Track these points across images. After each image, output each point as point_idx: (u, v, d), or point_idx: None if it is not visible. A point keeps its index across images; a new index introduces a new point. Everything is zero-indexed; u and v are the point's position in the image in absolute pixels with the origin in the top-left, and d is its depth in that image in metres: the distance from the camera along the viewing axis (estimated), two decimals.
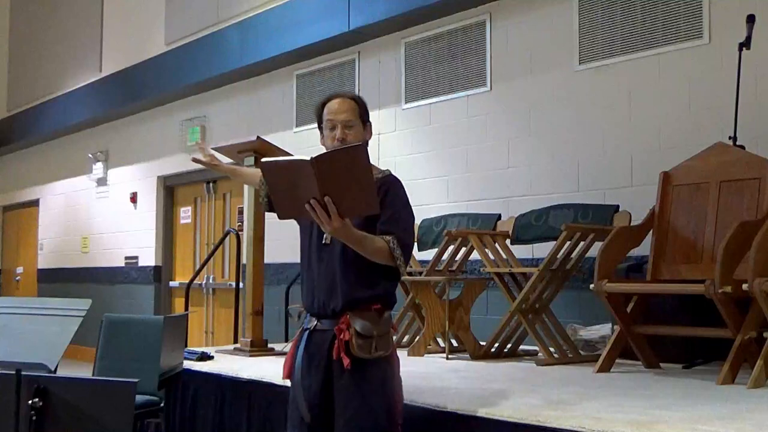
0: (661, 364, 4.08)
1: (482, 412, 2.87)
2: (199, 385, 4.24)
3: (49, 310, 3.07)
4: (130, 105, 9.37)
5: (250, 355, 4.65)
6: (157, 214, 9.28)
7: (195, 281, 7.06)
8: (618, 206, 4.51)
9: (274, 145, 4.71)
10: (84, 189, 10.57)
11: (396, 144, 6.46)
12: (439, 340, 4.90)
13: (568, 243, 4.36)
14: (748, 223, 3.54)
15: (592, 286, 3.86)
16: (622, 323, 3.92)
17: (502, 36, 5.85)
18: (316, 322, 2.70)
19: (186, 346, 4.90)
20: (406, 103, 6.40)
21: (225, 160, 3.92)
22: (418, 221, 4.57)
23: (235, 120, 8.12)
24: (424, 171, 6.20)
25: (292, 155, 4.75)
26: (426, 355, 4.68)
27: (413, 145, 6.38)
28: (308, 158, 2.36)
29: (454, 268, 4.96)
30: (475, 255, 4.94)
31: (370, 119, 2.82)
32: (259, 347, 4.77)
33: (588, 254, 4.47)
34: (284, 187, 2.49)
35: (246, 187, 5.14)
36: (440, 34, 6.24)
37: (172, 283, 9.18)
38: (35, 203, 11.81)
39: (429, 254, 5.10)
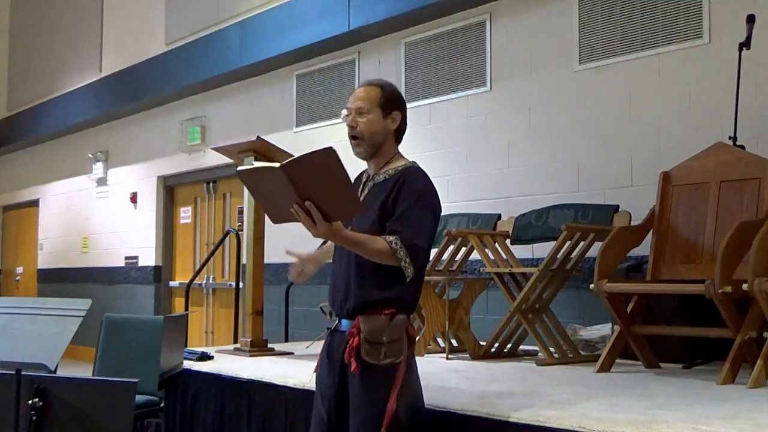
0: (661, 364, 4.08)
1: (482, 412, 2.87)
2: (199, 385, 4.23)
3: (48, 310, 3.07)
4: (130, 105, 9.36)
5: (250, 355, 4.65)
6: (157, 214, 9.28)
7: (195, 281, 7.06)
8: (618, 206, 4.51)
9: (274, 145, 4.71)
10: (84, 189, 10.57)
11: None
12: (439, 340, 4.90)
13: (568, 243, 4.35)
14: (748, 223, 3.54)
15: (592, 286, 3.86)
16: (622, 323, 3.92)
17: (502, 36, 5.85)
18: (337, 322, 2.69)
19: (186, 346, 4.89)
20: (406, 102, 6.39)
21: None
22: None
23: (235, 120, 8.12)
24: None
25: (292, 155, 4.77)
26: (426, 355, 4.68)
27: (413, 145, 6.33)
28: (277, 165, 2.33)
29: (454, 268, 4.96)
30: (475, 255, 4.94)
31: (398, 108, 2.72)
32: (259, 347, 4.76)
33: (588, 254, 4.47)
34: (266, 193, 2.48)
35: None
36: (440, 34, 6.24)
37: (172, 283, 9.18)
38: (35, 203, 11.81)
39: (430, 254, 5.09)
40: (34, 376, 2.57)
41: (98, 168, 10.16)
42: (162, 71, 8.72)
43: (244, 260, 5.07)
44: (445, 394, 3.24)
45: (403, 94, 2.95)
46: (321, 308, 3.98)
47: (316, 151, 2.34)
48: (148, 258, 9.29)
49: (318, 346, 2.89)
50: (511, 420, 2.75)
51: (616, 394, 3.22)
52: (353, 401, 2.59)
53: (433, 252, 4.94)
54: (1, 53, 12.51)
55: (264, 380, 3.83)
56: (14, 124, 11.79)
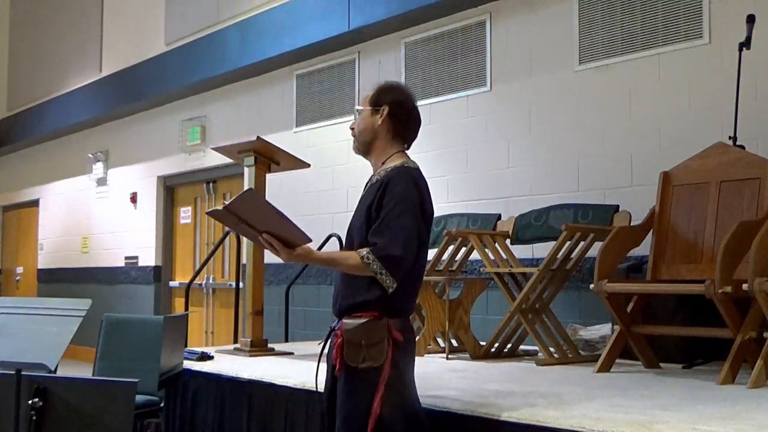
0: (661, 364, 4.08)
1: (482, 412, 2.87)
2: (199, 385, 4.23)
3: (48, 310, 3.07)
4: (130, 105, 9.36)
5: (250, 355, 4.65)
6: (157, 214, 9.28)
7: (195, 281, 7.06)
8: (618, 206, 4.51)
9: (274, 145, 4.71)
10: (84, 189, 10.57)
11: None
12: (439, 340, 4.90)
13: (568, 243, 4.36)
14: (748, 223, 3.54)
15: (592, 286, 3.86)
16: (622, 323, 3.92)
17: (502, 36, 5.85)
18: (335, 322, 2.71)
19: (186, 346, 4.89)
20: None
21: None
22: None
23: (235, 120, 8.12)
24: (424, 171, 6.16)
25: (292, 155, 4.78)
26: (426, 355, 4.68)
27: (413, 145, 6.37)
28: (220, 207, 2.53)
29: (454, 268, 4.96)
30: (475, 255, 4.94)
31: (388, 102, 2.74)
32: (259, 347, 4.77)
33: (588, 254, 4.47)
34: (237, 227, 2.65)
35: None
36: (440, 34, 6.24)
37: (172, 283, 9.18)
38: (35, 203, 11.81)
39: (429, 254, 5.09)
40: (34, 376, 2.57)
41: (98, 168, 10.16)
42: (162, 71, 8.72)
43: (244, 260, 5.07)
44: (445, 394, 3.23)
45: None
46: None
47: (239, 195, 2.54)
48: (148, 258, 9.29)
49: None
50: (510, 420, 2.75)
51: (616, 394, 3.22)
52: (338, 400, 2.62)
53: (433, 252, 4.94)
54: (1, 53, 12.51)
55: (264, 380, 3.83)
56: (14, 124, 11.79)
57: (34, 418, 2.49)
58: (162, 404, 4.33)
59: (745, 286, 3.28)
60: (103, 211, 10.19)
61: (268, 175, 4.80)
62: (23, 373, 2.55)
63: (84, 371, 4.91)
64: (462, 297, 4.71)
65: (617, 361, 4.00)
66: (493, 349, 4.65)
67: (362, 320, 2.57)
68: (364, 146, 2.78)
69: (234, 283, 6.93)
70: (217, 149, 5.00)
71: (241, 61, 7.63)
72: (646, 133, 5.00)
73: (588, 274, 4.69)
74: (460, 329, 4.66)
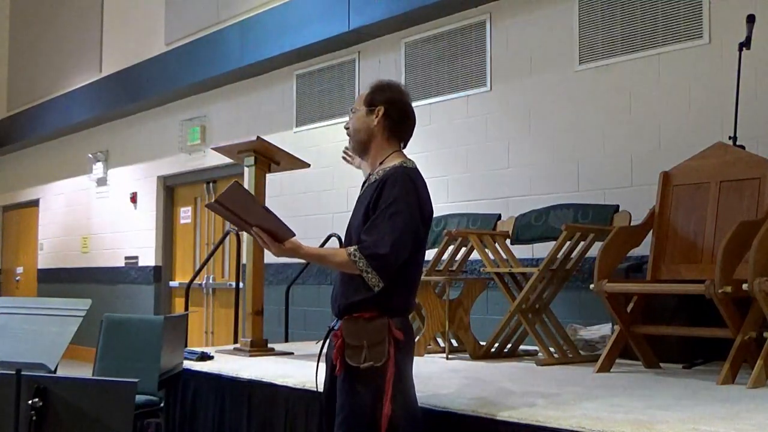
0: (661, 364, 4.08)
1: (482, 412, 2.87)
2: (199, 385, 4.23)
3: (48, 310, 3.07)
4: (130, 105, 9.36)
5: (250, 355, 4.65)
6: (157, 214, 9.28)
7: (195, 281, 7.06)
8: (618, 206, 4.51)
9: (274, 145, 4.71)
10: (84, 189, 10.57)
11: None
12: (439, 340, 4.90)
13: (568, 243, 4.36)
14: (748, 223, 3.54)
15: (592, 286, 3.86)
16: (622, 323, 3.92)
17: (502, 36, 5.85)
18: (335, 322, 2.70)
19: (186, 346, 4.89)
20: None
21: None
22: None
23: (235, 120, 8.12)
24: (424, 171, 6.11)
25: (292, 155, 4.78)
26: (426, 355, 4.68)
27: (413, 145, 6.35)
28: (213, 201, 2.57)
29: (454, 268, 4.96)
30: (475, 255, 4.94)
31: (384, 102, 2.75)
32: (259, 347, 4.77)
33: (588, 254, 4.47)
34: (231, 220, 2.66)
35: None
36: (440, 34, 6.24)
37: (172, 283, 9.18)
38: (35, 203, 11.81)
39: (429, 254, 5.09)
40: (34, 376, 2.56)
41: (98, 168, 10.16)
42: (162, 71, 8.72)
43: (244, 260, 5.07)
44: (445, 394, 3.24)
45: None
46: None
47: (226, 188, 2.55)
48: (148, 258, 9.29)
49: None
50: (510, 420, 2.75)
51: (616, 394, 3.22)
52: (338, 400, 2.61)
53: (433, 252, 4.94)
54: (1, 53, 12.51)
55: (264, 380, 3.83)
56: (14, 124, 11.79)
57: (34, 418, 2.49)
58: (162, 404, 4.33)
59: (745, 286, 3.28)
60: (103, 211, 10.19)
61: (268, 175, 4.80)
62: (23, 373, 2.54)
63: (84, 371, 4.92)
64: (462, 297, 4.71)
65: (617, 361, 4.00)
66: (493, 349, 4.65)
67: (363, 320, 2.57)
68: (360, 146, 2.79)
69: (234, 283, 6.93)
70: (217, 149, 5.00)
71: (241, 61, 7.63)
72: (646, 133, 5.00)
73: (588, 274, 4.69)
74: (460, 329, 4.66)
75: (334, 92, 7.06)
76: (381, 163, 2.74)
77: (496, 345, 4.66)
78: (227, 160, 5.36)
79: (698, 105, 4.79)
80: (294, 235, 2.60)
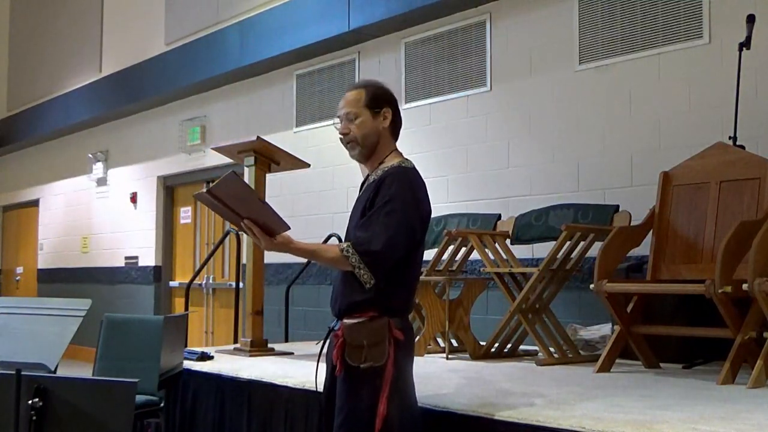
0: (661, 364, 4.08)
1: (482, 412, 2.87)
2: (199, 385, 4.23)
3: (48, 310, 3.07)
4: (130, 105, 9.36)
5: (250, 355, 4.65)
6: (157, 214, 9.28)
7: (195, 281, 7.06)
8: (618, 206, 4.51)
9: (274, 145, 4.71)
10: (84, 189, 10.57)
11: None
12: (439, 340, 4.90)
13: (568, 243, 4.35)
14: (748, 223, 3.54)
15: (592, 286, 3.86)
16: (622, 323, 3.92)
17: (502, 36, 5.85)
18: (335, 322, 2.70)
19: (186, 346, 4.89)
20: (406, 103, 6.39)
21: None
22: None
23: (235, 120, 8.12)
24: (424, 171, 6.10)
25: (292, 155, 4.78)
26: (426, 355, 4.68)
27: (413, 145, 6.37)
28: (204, 191, 2.52)
29: (454, 268, 4.96)
30: (475, 255, 4.94)
31: (388, 104, 2.73)
32: (259, 347, 4.76)
33: (588, 254, 4.47)
34: (221, 212, 2.61)
35: None
36: (440, 34, 6.24)
37: (172, 283, 9.18)
38: (35, 203, 11.81)
39: (429, 254, 5.09)
40: (34, 376, 2.56)
41: (98, 168, 10.16)
42: (162, 71, 8.72)
43: (244, 260, 5.07)
44: (445, 394, 3.24)
45: (403, 94, 2.95)
46: None
47: (222, 178, 2.50)
48: (148, 258, 9.29)
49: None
50: (510, 420, 2.75)
51: (616, 394, 3.22)
52: (337, 402, 2.61)
53: (433, 252, 4.94)
54: (1, 53, 12.51)
55: (264, 380, 3.83)
56: (14, 124, 11.80)
57: (34, 418, 2.49)
58: (162, 404, 4.33)
59: (745, 286, 3.28)
60: (103, 211, 10.19)
61: (268, 175, 4.80)
62: (23, 373, 2.54)
63: (84, 371, 4.92)
64: (462, 297, 4.71)
65: (617, 361, 4.00)
66: (493, 349, 4.65)
67: (363, 320, 2.56)
68: (370, 150, 2.73)
69: (234, 283, 6.93)
70: (217, 149, 5.01)
71: (241, 61, 7.63)
72: (646, 133, 5.00)
73: (588, 274, 4.68)
74: (460, 329, 4.66)
75: (334, 92, 7.05)
76: (381, 163, 2.73)
77: (496, 345, 4.66)
78: (227, 160, 5.35)
79: (698, 105, 4.79)
80: (288, 229, 2.56)
